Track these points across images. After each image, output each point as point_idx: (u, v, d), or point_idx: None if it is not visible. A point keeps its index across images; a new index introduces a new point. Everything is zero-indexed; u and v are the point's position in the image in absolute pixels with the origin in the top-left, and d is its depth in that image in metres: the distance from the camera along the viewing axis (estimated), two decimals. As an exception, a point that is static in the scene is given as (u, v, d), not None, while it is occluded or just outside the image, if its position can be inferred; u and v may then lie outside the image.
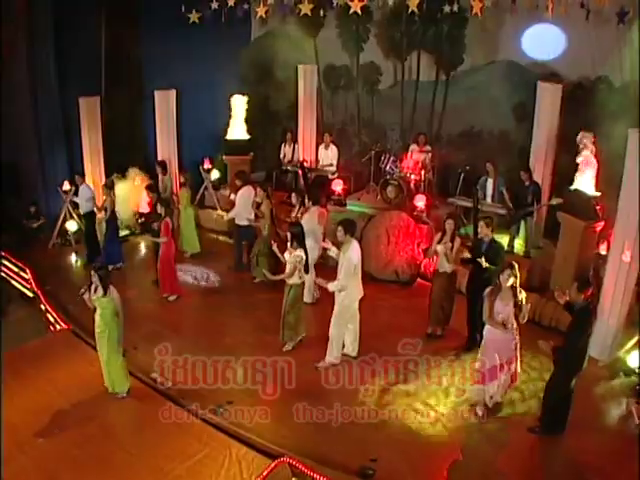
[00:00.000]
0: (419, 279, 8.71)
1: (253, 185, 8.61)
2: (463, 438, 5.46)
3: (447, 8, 8.95)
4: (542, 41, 9.13)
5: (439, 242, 6.87)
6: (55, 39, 9.64)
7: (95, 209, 8.87)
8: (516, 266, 5.44)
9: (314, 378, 6.31)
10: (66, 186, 9.44)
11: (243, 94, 10.60)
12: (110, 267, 8.65)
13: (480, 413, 5.71)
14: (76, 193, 9.06)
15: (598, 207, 7.51)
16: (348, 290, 6.25)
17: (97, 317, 5.79)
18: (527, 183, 8.46)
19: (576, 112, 8.81)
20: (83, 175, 9.10)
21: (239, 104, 10.65)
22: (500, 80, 9.54)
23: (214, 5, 9.24)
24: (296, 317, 6.69)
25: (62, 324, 7.40)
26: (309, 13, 8.68)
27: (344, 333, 6.52)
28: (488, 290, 5.52)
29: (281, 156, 11.19)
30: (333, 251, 6.45)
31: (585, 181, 7.61)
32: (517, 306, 5.41)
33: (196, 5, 9.73)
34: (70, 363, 6.54)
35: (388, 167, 9.81)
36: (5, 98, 9.33)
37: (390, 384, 6.24)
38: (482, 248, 6.55)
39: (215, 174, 11.28)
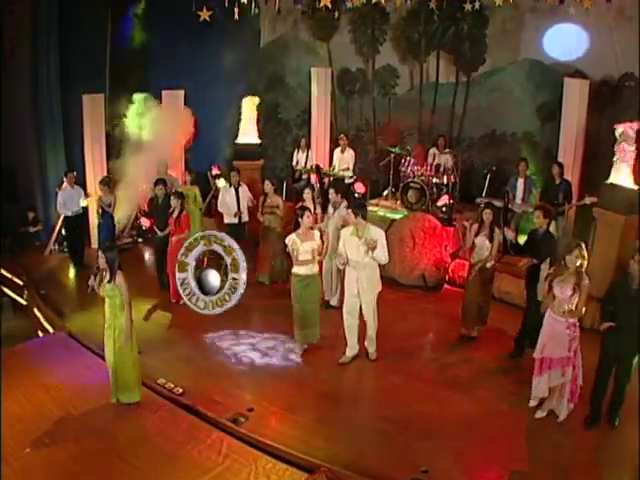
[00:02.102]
0: (446, 285, 8.10)
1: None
2: (523, 442, 4.79)
3: (468, 6, 8.65)
4: (565, 40, 8.83)
5: (477, 234, 6.32)
6: (58, 37, 9.23)
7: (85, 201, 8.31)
8: (584, 247, 4.84)
9: (343, 382, 5.69)
10: (65, 188, 8.85)
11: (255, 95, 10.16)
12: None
13: (539, 415, 5.08)
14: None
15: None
16: (378, 276, 5.70)
17: (106, 308, 5.08)
18: (557, 181, 7.99)
19: (602, 109, 8.49)
20: (75, 174, 8.50)
21: (250, 106, 10.20)
22: (523, 80, 9.15)
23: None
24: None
25: (57, 327, 6.70)
26: (329, 5, 8.29)
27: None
28: (551, 270, 4.95)
29: (293, 163, 10.68)
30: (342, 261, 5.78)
31: (622, 174, 7.16)
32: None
33: (207, 2, 9.34)
34: (66, 367, 5.84)
35: (409, 170, 9.33)
36: (5, 99, 8.84)
37: (431, 388, 5.56)
38: (536, 239, 6.00)
39: (221, 182, 10.71)
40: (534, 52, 8.98)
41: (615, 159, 7.19)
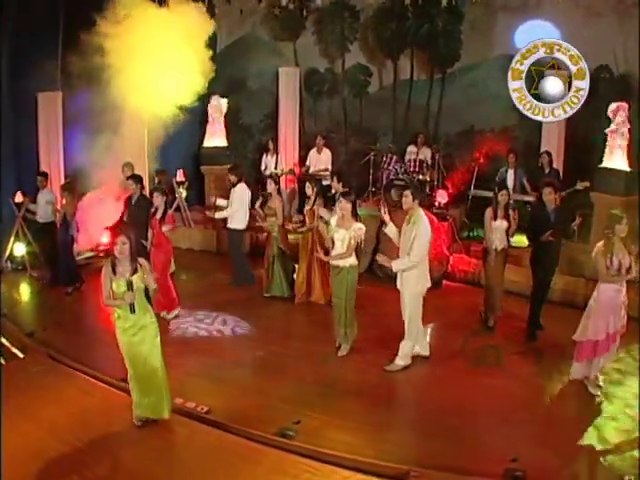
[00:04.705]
0: (445, 280, 7.85)
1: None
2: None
3: (444, 1, 8.67)
4: (536, 35, 9.05)
5: (494, 218, 6.15)
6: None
7: (54, 216, 7.28)
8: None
9: (384, 381, 5.20)
10: (19, 198, 7.70)
11: (221, 96, 9.54)
12: (70, 289, 7.14)
13: (597, 392, 4.89)
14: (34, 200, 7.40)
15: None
16: (420, 272, 5.21)
17: (123, 310, 4.19)
18: (547, 170, 8.07)
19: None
20: (46, 176, 7.42)
21: (217, 108, 9.55)
22: (500, 75, 9.14)
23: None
24: (353, 310, 5.51)
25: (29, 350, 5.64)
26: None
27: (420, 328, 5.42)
28: (600, 245, 4.81)
29: (262, 168, 10.10)
30: (390, 228, 5.38)
31: (617, 158, 7.32)
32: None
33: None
34: (55, 393, 4.89)
35: (391, 166, 9.08)
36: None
37: (475, 377, 5.25)
38: (549, 218, 5.87)
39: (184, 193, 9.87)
40: (508, 48, 9.09)
41: (608, 143, 7.38)
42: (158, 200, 6.38)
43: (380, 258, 5.36)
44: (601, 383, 4.95)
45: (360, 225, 5.37)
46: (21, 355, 5.59)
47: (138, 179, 6.82)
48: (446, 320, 6.67)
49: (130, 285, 4.03)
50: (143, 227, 6.28)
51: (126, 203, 6.82)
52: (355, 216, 5.40)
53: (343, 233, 5.29)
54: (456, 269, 7.89)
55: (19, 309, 6.80)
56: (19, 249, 7.87)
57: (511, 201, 8.06)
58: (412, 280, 5.20)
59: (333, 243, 5.44)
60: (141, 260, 4.16)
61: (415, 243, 5.07)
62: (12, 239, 7.72)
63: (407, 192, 5.17)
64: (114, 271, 4.08)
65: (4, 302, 6.62)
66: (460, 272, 7.86)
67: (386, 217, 5.36)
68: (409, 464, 3.84)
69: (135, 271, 4.08)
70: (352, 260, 5.39)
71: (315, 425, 4.41)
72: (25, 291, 7.41)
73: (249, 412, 4.59)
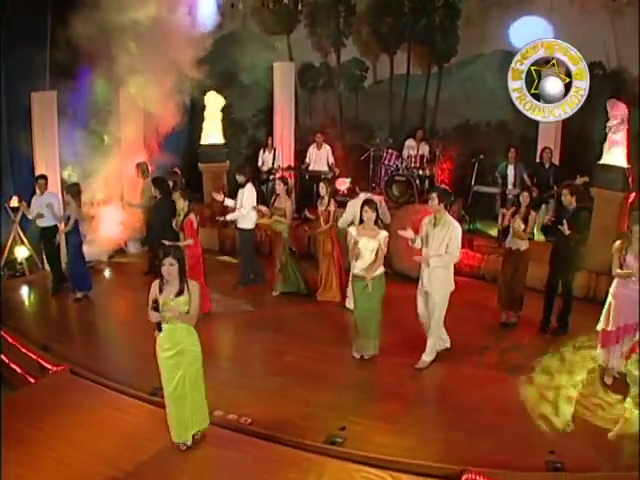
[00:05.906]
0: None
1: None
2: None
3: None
4: (532, 31, 9.17)
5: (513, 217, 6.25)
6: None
7: (57, 221, 7.03)
8: None
9: (415, 382, 5.27)
10: (14, 202, 7.39)
11: (218, 91, 9.33)
12: (79, 295, 6.93)
13: (610, 382, 5.12)
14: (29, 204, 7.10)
15: (630, 178, 7.45)
16: (450, 274, 5.31)
17: (170, 329, 4.00)
18: (547, 165, 8.25)
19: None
20: (46, 179, 7.12)
21: (213, 103, 9.35)
22: (497, 70, 9.28)
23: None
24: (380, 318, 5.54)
25: (51, 367, 5.43)
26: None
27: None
28: (618, 243, 5.01)
29: (259, 164, 9.98)
30: (416, 239, 5.40)
31: (616, 154, 7.53)
32: None
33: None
34: (90, 413, 4.69)
35: (392, 162, 9.12)
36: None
37: (502, 375, 5.37)
38: (568, 217, 6.03)
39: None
40: (504, 43, 9.17)
41: (607, 140, 7.57)
42: (181, 204, 6.26)
43: (416, 257, 5.37)
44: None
45: (386, 233, 5.35)
46: (40, 373, 5.38)
47: (160, 182, 6.66)
48: (461, 316, 6.68)
49: (156, 306, 3.88)
50: (167, 231, 6.22)
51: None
52: (377, 223, 5.34)
53: (372, 243, 5.25)
54: (462, 264, 7.92)
55: (25, 320, 6.55)
56: (21, 253, 7.59)
57: (512, 195, 8.37)
58: (443, 281, 5.28)
59: (353, 253, 5.35)
60: (192, 282, 4.03)
61: (453, 242, 5.15)
62: (9, 245, 7.41)
63: (433, 195, 5.20)
64: (160, 290, 3.96)
65: (8, 313, 6.36)
66: (466, 267, 7.96)
67: (410, 233, 5.32)
68: (460, 464, 3.93)
69: (181, 292, 3.94)
70: (381, 268, 5.39)
71: (361, 430, 4.44)
72: (29, 299, 7.15)
73: (292, 420, 4.56)
